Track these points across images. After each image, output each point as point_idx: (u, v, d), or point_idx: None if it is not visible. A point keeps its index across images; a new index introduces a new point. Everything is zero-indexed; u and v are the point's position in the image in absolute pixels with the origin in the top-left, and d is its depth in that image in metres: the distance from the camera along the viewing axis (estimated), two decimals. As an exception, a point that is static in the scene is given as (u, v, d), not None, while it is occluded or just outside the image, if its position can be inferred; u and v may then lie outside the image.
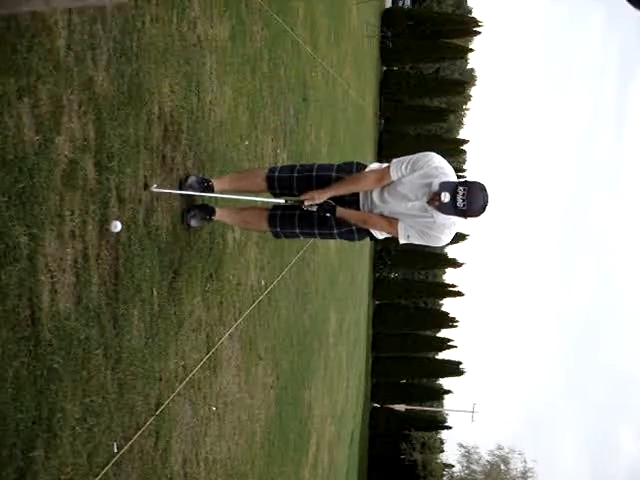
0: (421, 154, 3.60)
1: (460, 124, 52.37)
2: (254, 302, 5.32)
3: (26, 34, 2.26)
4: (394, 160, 3.62)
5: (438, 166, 3.55)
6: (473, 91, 52.13)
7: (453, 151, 33.84)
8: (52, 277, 2.39)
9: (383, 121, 32.82)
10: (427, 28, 30.23)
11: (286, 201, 3.71)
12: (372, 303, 32.94)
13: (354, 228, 3.82)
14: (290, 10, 7.30)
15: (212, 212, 3.94)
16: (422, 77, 33.36)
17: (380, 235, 3.87)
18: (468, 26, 31.43)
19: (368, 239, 4.02)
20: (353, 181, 3.67)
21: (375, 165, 3.81)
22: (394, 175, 3.58)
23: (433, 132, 37.09)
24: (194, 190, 3.74)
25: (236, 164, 4.83)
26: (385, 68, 33.08)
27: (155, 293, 3.33)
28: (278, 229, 3.94)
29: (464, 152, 36.88)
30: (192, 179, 3.79)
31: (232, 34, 4.80)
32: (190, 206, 3.82)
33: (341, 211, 3.67)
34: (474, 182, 3.42)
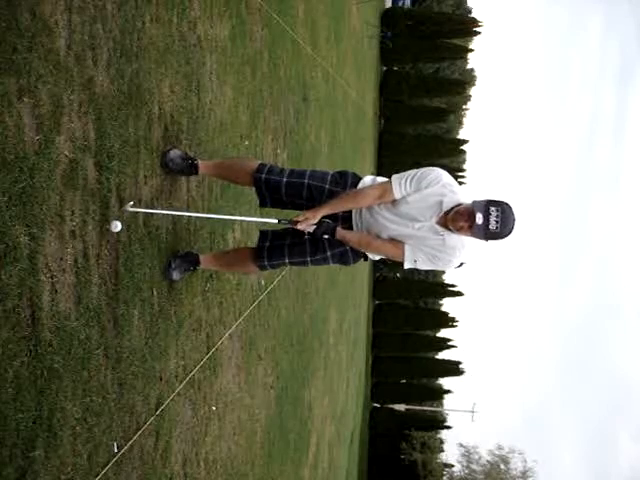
0: (425, 170, 3.32)
1: (460, 124, 52.42)
2: (254, 302, 5.32)
3: (26, 34, 2.26)
4: (395, 176, 3.34)
5: (447, 183, 3.28)
6: (473, 91, 52.17)
7: (453, 151, 33.88)
8: (52, 277, 2.40)
9: (383, 121, 32.82)
10: (427, 28, 30.25)
11: (279, 221, 3.37)
12: (372, 303, 32.95)
13: (348, 248, 3.52)
14: (290, 10, 7.30)
15: (195, 262, 3.66)
16: (422, 77, 33.38)
17: (376, 256, 3.62)
18: (468, 26, 31.44)
19: (362, 260, 3.70)
20: (351, 198, 3.35)
21: (368, 179, 3.49)
22: (397, 193, 3.29)
23: (433, 132, 37.13)
24: (175, 165, 3.43)
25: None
26: (385, 68, 33.09)
27: (155, 293, 3.33)
28: (265, 262, 3.60)
29: (464, 152, 36.86)
30: (175, 153, 3.46)
31: (232, 34, 4.80)
32: (171, 257, 3.51)
33: (341, 233, 3.37)
34: (503, 202, 3.17)
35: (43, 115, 2.34)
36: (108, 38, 2.84)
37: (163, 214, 3.35)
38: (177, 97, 3.66)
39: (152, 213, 3.23)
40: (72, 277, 2.53)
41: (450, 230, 3.28)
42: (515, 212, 3.19)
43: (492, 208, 3.10)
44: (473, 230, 3.16)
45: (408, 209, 3.31)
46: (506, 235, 3.19)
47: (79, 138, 2.59)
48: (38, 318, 2.31)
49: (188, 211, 3.78)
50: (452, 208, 3.27)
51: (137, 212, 3.02)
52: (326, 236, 3.37)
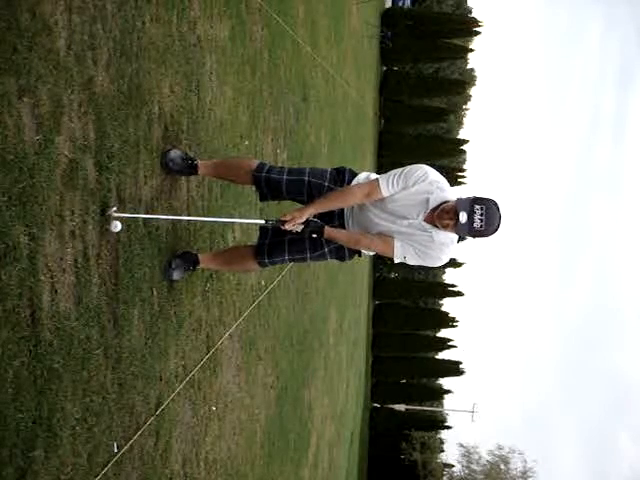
0: (412, 167, 3.31)
1: (460, 124, 52.34)
2: (254, 302, 5.32)
3: (26, 34, 2.26)
4: (382, 175, 3.35)
5: (433, 180, 3.28)
6: (473, 91, 52.07)
7: (453, 151, 33.86)
8: (52, 277, 2.40)
9: (383, 121, 32.81)
10: (427, 28, 30.24)
11: (266, 222, 3.34)
12: (372, 303, 32.94)
13: None
14: (290, 10, 7.30)
15: (195, 261, 3.64)
16: (422, 77, 33.37)
17: (370, 252, 3.62)
18: (468, 26, 31.42)
19: (357, 256, 3.73)
20: (339, 197, 3.34)
21: (363, 175, 3.52)
22: (385, 191, 3.28)
23: (433, 132, 37.10)
24: (175, 165, 3.43)
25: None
26: (385, 68, 33.07)
27: (155, 293, 3.33)
28: (265, 259, 3.63)
29: (464, 152, 36.83)
30: (176, 153, 3.46)
31: (232, 34, 4.80)
32: (171, 257, 3.51)
33: (329, 231, 3.35)
34: (489, 199, 3.15)
35: (43, 115, 2.34)
36: (108, 38, 2.84)
37: (148, 218, 3.26)
38: (177, 97, 3.66)
39: (136, 218, 3.14)
40: (72, 277, 2.53)
41: (438, 227, 3.28)
42: (501, 209, 3.16)
43: (477, 206, 3.09)
44: (458, 228, 3.15)
45: (396, 207, 3.33)
46: (491, 233, 3.17)
47: (79, 138, 2.59)
48: (38, 318, 2.31)
49: (177, 214, 3.65)
50: (439, 205, 3.26)
51: (120, 217, 2.90)
52: (314, 235, 3.35)
